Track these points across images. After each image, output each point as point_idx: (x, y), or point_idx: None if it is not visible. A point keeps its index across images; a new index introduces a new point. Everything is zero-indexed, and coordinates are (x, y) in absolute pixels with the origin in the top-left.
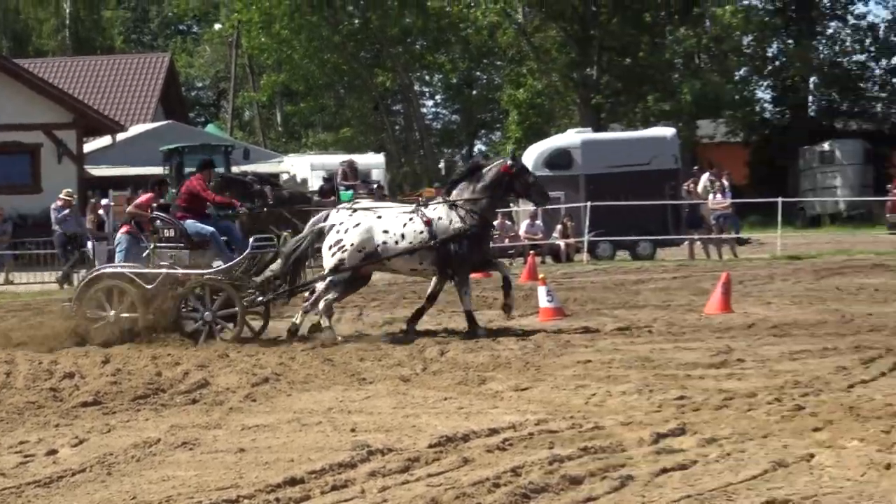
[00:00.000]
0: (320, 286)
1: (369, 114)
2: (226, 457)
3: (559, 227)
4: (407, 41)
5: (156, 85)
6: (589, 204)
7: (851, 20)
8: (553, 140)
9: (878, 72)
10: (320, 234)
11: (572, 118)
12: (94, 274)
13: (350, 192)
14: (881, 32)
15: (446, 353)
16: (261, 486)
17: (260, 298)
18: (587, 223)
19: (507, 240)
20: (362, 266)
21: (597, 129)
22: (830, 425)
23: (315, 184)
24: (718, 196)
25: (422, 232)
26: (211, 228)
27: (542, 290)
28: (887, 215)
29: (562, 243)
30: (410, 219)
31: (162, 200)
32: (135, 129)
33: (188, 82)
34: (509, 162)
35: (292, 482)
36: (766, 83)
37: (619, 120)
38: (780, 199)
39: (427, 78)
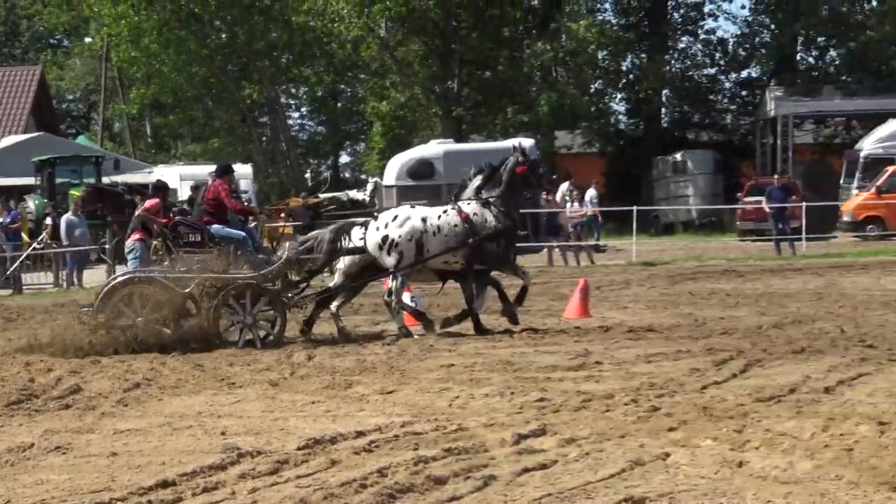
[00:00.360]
0: (394, 284)
1: (237, 125)
2: (98, 460)
3: None
4: (273, 55)
5: (27, 97)
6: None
7: (702, 35)
8: (416, 151)
9: (727, 85)
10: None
11: (434, 129)
12: (121, 279)
13: None
14: (730, 47)
15: (314, 358)
16: (133, 488)
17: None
18: None
19: None
20: (417, 258)
21: (458, 140)
22: (685, 425)
23: (184, 194)
24: (576, 205)
25: (456, 225)
26: (242, 233)
27: (407, 297)
28: (737, 223)
29: None
30: (445, 211)
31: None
32: (6, 141)
33: (59, 95)
34: (520, 159)
35: (164, 485)
36: (620, 96)
37: (480, 131)
38: (634, 208)
39: (293, 90)
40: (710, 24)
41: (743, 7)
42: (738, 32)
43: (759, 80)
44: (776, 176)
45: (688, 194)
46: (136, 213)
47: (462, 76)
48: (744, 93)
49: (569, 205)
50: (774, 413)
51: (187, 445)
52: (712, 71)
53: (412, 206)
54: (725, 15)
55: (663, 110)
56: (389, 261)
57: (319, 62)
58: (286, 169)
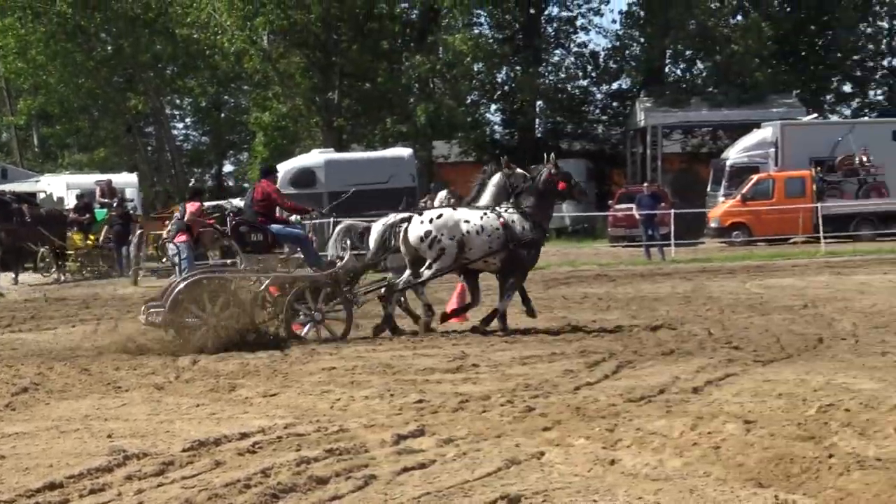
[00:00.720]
0: (427, 273)
1: (122, 136)
2: None
3: None
4: (158, 67)
5: None
6: (332, 220)
7: (574, 48)
8: (298, 160)
9: (599, 96)
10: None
11: (315, 139)
12: (191, 280)
13: (105, 210)
14: (601, 60)
15: (198, 363)
16: (20, 490)
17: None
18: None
19: None
20: (459, 256)
21: (338, 150)
22: (559, 425)
23: (71, 202)
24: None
25: (497, 228)
26: (303, 233)
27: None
28: (609, 229)
29: None
30: (485, 213)
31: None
32: None
33: None
34: (554, 170)
35: (51, 487)
36: (495, 107)
37: (360, 141)
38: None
39: (178, 101)
40: (582, 37)
41: (614, 21)
42: (609, 46)
43: (629, 91)
44: (646, 184)
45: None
46: (182, 217)
47: (342, 88)
48: (615, 104)
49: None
50: (645, 413)
51: (74, 448)
52: (584, 83)
53: (451, 208)
54: (597, 29)
55: (537, 121)
56: (430, 254)
57: (203, 74)
58: (171, 178)
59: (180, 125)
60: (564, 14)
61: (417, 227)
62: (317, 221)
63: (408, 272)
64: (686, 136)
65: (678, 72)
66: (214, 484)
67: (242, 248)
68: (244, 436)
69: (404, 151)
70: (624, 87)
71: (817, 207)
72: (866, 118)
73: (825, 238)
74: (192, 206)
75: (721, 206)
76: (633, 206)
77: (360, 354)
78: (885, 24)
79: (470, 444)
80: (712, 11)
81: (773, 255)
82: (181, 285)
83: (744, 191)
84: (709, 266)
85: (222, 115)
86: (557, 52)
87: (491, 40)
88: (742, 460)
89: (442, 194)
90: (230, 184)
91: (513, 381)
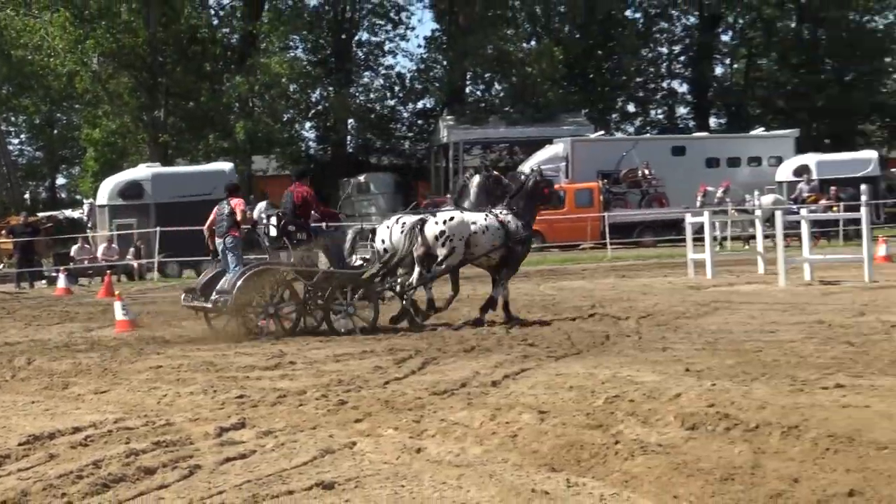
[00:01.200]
0: (438, 269)
1: None
2: None
3: (132, 249)
4: None
5: None
6: (159, 229)
7: (382, 71)
8: (126, 173)
9: (405, 115)
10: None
11: (143, 154)
12: (254, 271)
13: None
14: (407, 81)
15: (33, 362)
16: None
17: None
18: (157, 246)
19: (86, 261)
20: (466, 253)
21: (164, 164)
22: (369, 417)
23: None
24: (273, 220)
25: (499, 228)
26: (337, 233)
27: (118, 305)
28: None
29: (135, 264)
30: (486, 216)
31: None
32: None
33: None
34: (539, 178)
35: None
36: (310, 124)
37: (184, 156)
38: (323, 224)
39: (13, 119)
40: (389, 60)
41: (419, 46)
42: (415, 68)
43: (433, 110)
44: (448, 195)
45: (371, 212)
46: (233, 215)
47: (168, 106)
48: (420, 122)
49: (264, 221)
50: (448, 405)
51: None
52: (392, 102)
53: (462, 211)
54: (403, 53)
55: (349, 137)
56: (442, 251)
57: (37, 93)
58: (7, 190)
59: (15, 141)
60: (374, 39)
61: (433, 228)
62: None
63: (417, 269)
64: (485, 152)
65: (478, 92)
66: (49, 475)
67: (293, 246)
68: (77, 430)
69: (225, 165)
70: (428, 106)
71: (604, 216)
72: (648, 135)
73: (611, 244)
74: (242, 203)
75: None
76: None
77: (186, 354)
78: (664, 50)
79: (287, 435)
80: (508, 37)
81: (565, 260)
82: (246, 275)
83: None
84: None
85: (55, 131)
86: (367, 74)
87: (305, 63)
88: (537, 447)
89: (262, 205)
90: (63, 196)
91: (327, 377)
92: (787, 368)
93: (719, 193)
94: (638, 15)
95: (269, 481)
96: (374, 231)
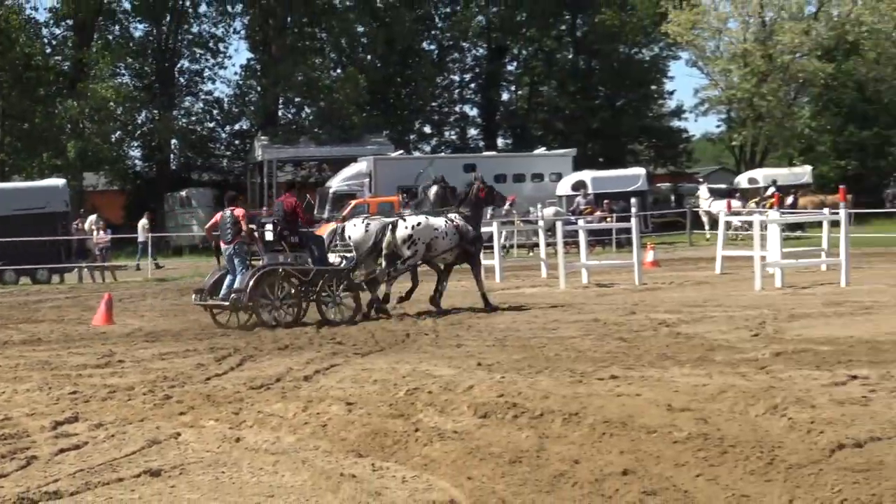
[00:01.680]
0: (401, 267)
1: None
2: None
3: None
4: None
5: None
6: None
7: (203, 95)
8: None
9: (224, 135)
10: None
11: None
12: (265, 270)
13: None
14: (225, 105)
15: None
16: None
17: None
18: None
19: None
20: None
21: (1, 181)
22: (193, 410)
23: None
24: (101, 233)
25: (455, 232)
26: (321, 236)
27: None
28: None
29: None
30: (445, 222)
31: None
32: None
33: None
34: (481, 185)
35: None
36: (136, 144)
37: (20, 172)
38: (150, 236)
39: None
40: (209, 86)
41: (235, 73)
42: (232, 93)
43: (248, 131)
44: (264, 208)
45: (192, 223)
46: (237, 223)
47: (4, 127)
48: (237, 142)
49: (95, 233)
50: (264, 398)
51: None
52: (211, 124)
53: (427, 217)
54: (221, 79)
55: (172, 156)
56: (407, 252)
57: None
58: None
59: None
60: (194, 67)
61: (403, 230)
62: None
63: (384, 265)
64: (296, 169)
65: (289, 115)
66: None
67: (289, 248)
68: None
69: (58, 181)
70: (244, 127)
71: None
72: (442, 154)
73: None
74: (244, 212)
75: (326, 227)
76: (252, 225)
77: (23, 354)
78: (456, 78)
79: (117, 427)
80: (316, 66)
81: None
82: (257, 276)
83: (345, 213)
84: None
85: None
86: (189, 98)
87: (132, 88)
88: (345, 435)
89: (92, 217)
90: None
91: (153, 374)
92: (568, 362)
93: (506, 206)
94: (433, 47)
95: (101, 469)
96: (343, 229)
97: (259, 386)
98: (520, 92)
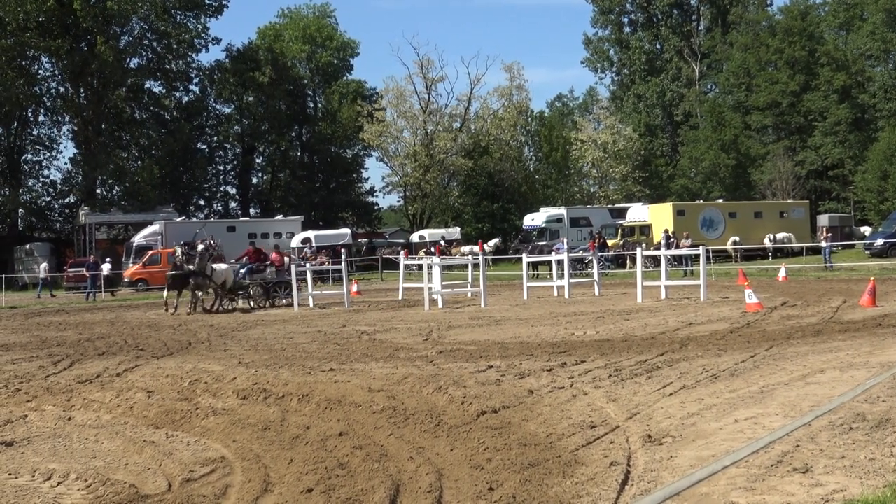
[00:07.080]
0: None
1: None
2: None
3: None
4: None
5: None
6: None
7: (41, 178)
8: None
9: (57, 206)
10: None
11: None
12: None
13: None
14: (58, 185)
15: None
16: None
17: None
18: None
19: None
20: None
21: None
22: (36, 398)
23: None
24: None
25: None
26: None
27: None
28: (65, 283)
29: None
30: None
31: None
32: None
33: None
34: (209, 244)
35: None
36: None
37: None
38: (3, 276)
39: None
40: (46, 172)
41: (65, 163)
42: (63, 177)
43: (75, 203)
44: (92, 256)
45: (35, 269)
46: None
47: None
48: (67, 210)
49: None
50: (88, 389)
51: None
52: (48, 198)
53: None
54: (55, 167)
55: (19, 220)
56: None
57: None
58: None
59: None
60: (35, 158)
61: (220, 272)
62: None
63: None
64: (109, 229)
65: (105, 192)
66: None
67: (260, 273)
68: None
69: None
70: (72, 200)
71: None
72: (213, 219)
73: None
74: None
75: (131, 269)
76: (83, 269)
77: None
78: (221, 167)
79: None
80: (123, 158)
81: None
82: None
83: (144, 259)
84: (126, 303)
85: None
86: (31, 180)
87: None
88: (146, 414)
89: None
90: None
91: (7, 374)
92: (301, 360)
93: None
94: (205, 146)
95: None
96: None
97: (85, 380)
98: (265, 177)
